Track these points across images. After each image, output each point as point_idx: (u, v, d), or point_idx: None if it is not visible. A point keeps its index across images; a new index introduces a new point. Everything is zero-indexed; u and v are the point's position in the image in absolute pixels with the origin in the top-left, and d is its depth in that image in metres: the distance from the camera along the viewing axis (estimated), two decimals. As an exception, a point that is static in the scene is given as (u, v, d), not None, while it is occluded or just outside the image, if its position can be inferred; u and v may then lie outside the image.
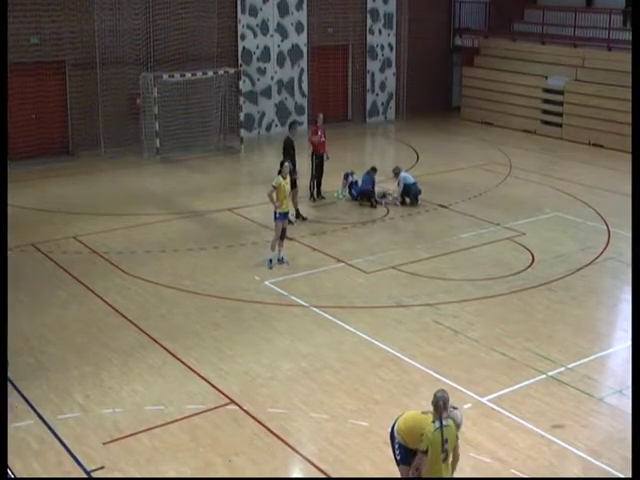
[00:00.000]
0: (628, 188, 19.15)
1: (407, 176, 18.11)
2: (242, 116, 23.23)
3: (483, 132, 25.39)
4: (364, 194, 17.82)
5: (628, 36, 23.89)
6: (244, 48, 24.18)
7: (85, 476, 8.48)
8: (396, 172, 18.14)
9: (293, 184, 16.43)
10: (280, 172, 14.15)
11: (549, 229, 16.36)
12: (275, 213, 14.08)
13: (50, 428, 9.28)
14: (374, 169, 18.04)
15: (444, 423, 6.86)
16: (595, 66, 24.24)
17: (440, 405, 6.87)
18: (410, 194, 17.83)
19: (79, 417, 9.54)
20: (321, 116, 18.26)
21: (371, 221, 16.87)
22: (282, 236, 14.25)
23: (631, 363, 8.79)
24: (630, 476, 8.08)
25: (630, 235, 15.70)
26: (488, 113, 26.42)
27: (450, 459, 7.03)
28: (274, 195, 14.03)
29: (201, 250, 15.11)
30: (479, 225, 16.46)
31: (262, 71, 24.62)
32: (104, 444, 8.99)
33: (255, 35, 24.28)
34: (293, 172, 16.40)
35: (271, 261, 14.14)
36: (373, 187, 17.81)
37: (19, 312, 12.21)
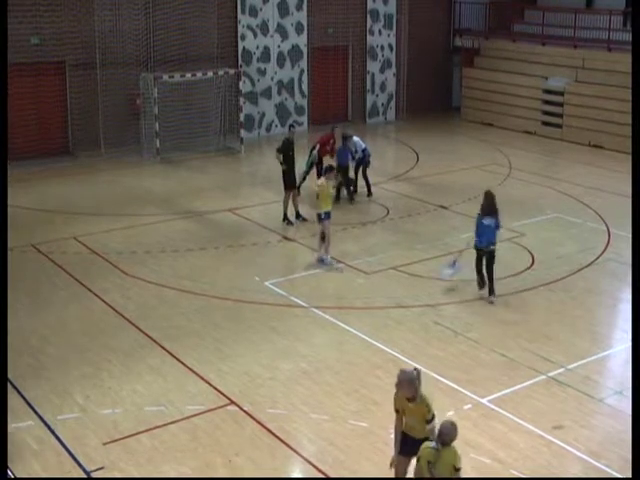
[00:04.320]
0: (628, 189, 19.14)
1: (359, 141, 18.16)
2: (242, 117, 23.22)
3: (483, 133, 25.38)
4: (341, 170, 17.19)
5: (628, 37, 23.86)
6: (244, 48, 24.18)
7: (85, 476, 8.48)
8: (346, 136, 17.79)
9: (294, 184, 16.49)
10: (325, 173, 14.27)
11: (549, 230, 16.36)
12: (320, 214, 14.08)
13: (50, 428, 9.28)
14: (346, 137, 17.77)
15: (435, 446, 6.76)
16: (595, 67, 24.23)
17: (442, 438, 6.79)
18: (364, 161, 17.87)
19: (79, 417, 9.55)
20: (338, 128, 18.25)
21: (371, 222, 16.87)
22: (323, 237, 14.19)
23: (631, 364, 8.79)
24: (630, 476, 8.11)
25: (630, 236, 15.71)
26: (488, 114, 26.41)
27: None
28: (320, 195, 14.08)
29: (201, 250, 15.11)
30: (479, 226, 16.44)
31: (262, 72, 24.61)
32: (104, 444, 8.99)
33: (255, 35, 24.28)
34: (292, 173, 16.44)
35: (330, 261, 14.17)
36: (355, 162, 17.80)
37: (19, 312, 12.22)
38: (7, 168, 12.63)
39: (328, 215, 14.16)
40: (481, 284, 13.02)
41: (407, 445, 7.53)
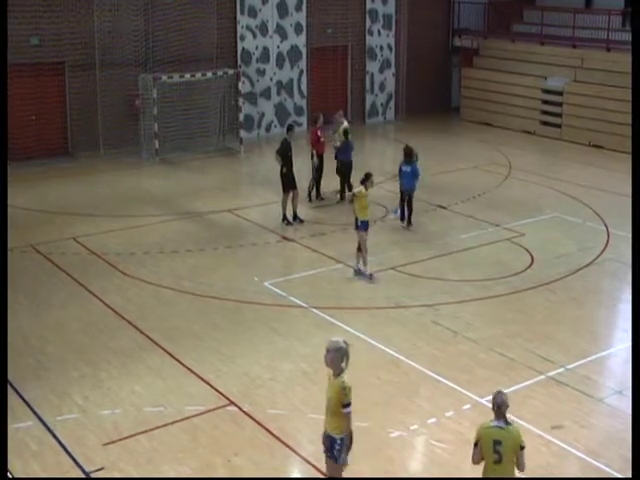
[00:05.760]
0: (627, 189, 19.13)
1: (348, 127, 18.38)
2: (241, 117, 23.23)
3: (482, 133, 25.39)
4: (343, 168, 17.75)
5: (627, 37, 23.86)
6: (243, 49, 24.19)
7: (84, 477, 8.48)
8: (347, 131, 17.93)
9: (293, 185, 16.48)
10: (363, 182, 13.66)
11: (548, 230, 16.36)
12: (357, 221, 13.68)
13: (49, 429, 9.28)
14: (347, 132, 17.94)
15: (500, 425, 6.87)
16: (594, 67, 24.22)
17: (502, 410, 6.91)
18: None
19: (78, 418, 9.54)
20: (321, 117, 18.28)
21: (370, 221, 16.83)
22: (358, 247, 13.71)
23: (631, 363, 8.79)
24: (629, 476, 8.10)
25: (629, 236, 15.72)
26: (487, 114, 26.42)
27: (508, 466, 6.91)
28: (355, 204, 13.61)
29: (200, 251, 15.11)
30: (478, 226, 16.46)
31: (261, 72, 24.62)
32: (103, 445, 8.99)
33: (254, 36, 24.29)
34: (290, 174, 16.42)
35: (371, 275, 13.60)
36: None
37: (19, 313, 12.22)
38: (7, 168, 12.64)
39: (365, 225, 13.63)
40: (402, 219, 16.46)
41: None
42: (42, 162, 21.00)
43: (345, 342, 7.41)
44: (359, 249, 13.73)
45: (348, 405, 7.35)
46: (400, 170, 16.45)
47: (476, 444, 7.03)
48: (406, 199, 16.37)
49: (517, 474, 7.17)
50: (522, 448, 6.91)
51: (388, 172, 20.21)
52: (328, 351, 7.39)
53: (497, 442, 6.86)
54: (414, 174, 16.26)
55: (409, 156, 16.30)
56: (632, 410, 7.85)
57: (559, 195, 18.71)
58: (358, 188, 13.79)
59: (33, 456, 8.79)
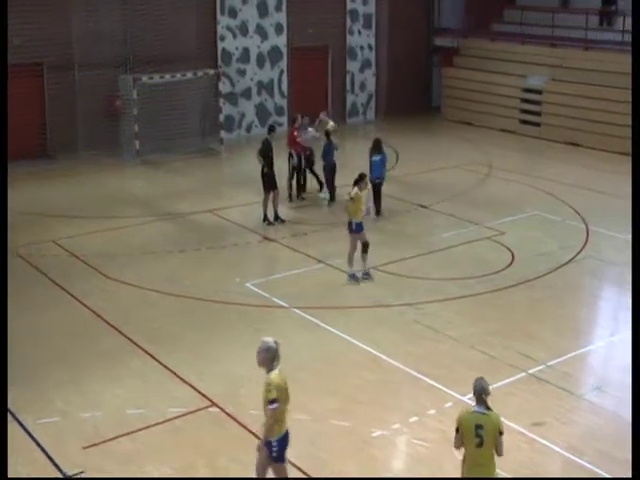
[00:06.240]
0: (605, 186, 19.35)
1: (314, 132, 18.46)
2: (222, 117, 23.20)
3: (463, 132, 25.48)
4: (327, 169, 17.80)
5: (604, 36, 24.12)
6: (223, 49, 24.15)
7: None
8: (329, 132, 17.96)
9: (274, 185, 16.48)
10: (357, 183, 13.47)
11: (529, 228, 16.45)
12: (351, 224, 13.48)
13: (30, 433, 9.22)
14: (329, 133, 17.95)
15: (481, 410, 7.07)
16: (573, 66, 24.37)
17: (482, 397, 7.15)
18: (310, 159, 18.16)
19: (59, 421, 9.50)
20: (299, 117, 18.31)
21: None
22: (363, 249, 13.58)
23: (631, 363, 8.82)
24: (620, 475, 8.19)
25: (609, 233, 15.86)
26: (468, 113, 26.51)
27: (488, 451, 7.08)
28: (352, 206, 13.41)
29: (182, 252, 15.07)
30: (459, 225, 16.53)
31: (242, 72, 24.59)
32: (85, 448, 8.95)
33: (235, 36, 24.26)
34: (271, 174, 16.43)
35: (354, 276, 13.51)
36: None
37: (-2, 316, 12.14)
38: (7, 168, 12.49)
39: (360, 227, 13.47)
40: (378, 212, 16.70)
41: None
42: (20, 164, 20.70)
43: (275, 342, 7.48)
44: (364, 250, 13.60)
45: (272, 402, 7.34)
46: (370, 161, 16.77)
47: (457, 429, 7.19)
48: (376, 189, 16.72)
49: (499, 472, 7.24)
50: (501, 434, 7.07)
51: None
52: (259, 352, 7.47)
53: (479, 426, 7.03)
54: (382, 162, 16.76)
55: (378, 146, 16.81)
56: (632, 410, 7.84)
57: (539, 193, 18.81)
58: (354, 190, 13.49)
59: (15, 460, 8.70)
